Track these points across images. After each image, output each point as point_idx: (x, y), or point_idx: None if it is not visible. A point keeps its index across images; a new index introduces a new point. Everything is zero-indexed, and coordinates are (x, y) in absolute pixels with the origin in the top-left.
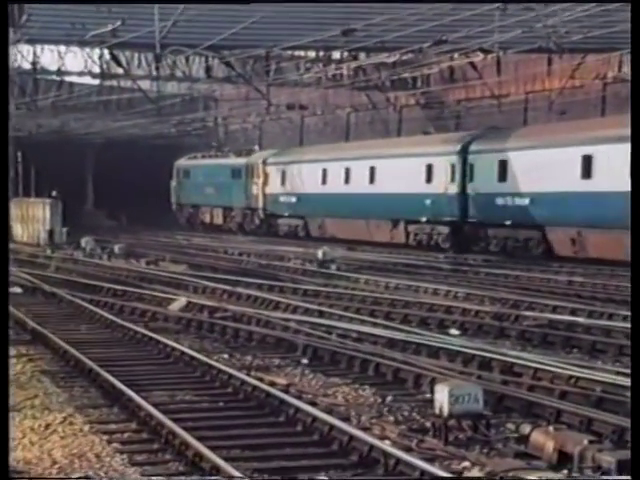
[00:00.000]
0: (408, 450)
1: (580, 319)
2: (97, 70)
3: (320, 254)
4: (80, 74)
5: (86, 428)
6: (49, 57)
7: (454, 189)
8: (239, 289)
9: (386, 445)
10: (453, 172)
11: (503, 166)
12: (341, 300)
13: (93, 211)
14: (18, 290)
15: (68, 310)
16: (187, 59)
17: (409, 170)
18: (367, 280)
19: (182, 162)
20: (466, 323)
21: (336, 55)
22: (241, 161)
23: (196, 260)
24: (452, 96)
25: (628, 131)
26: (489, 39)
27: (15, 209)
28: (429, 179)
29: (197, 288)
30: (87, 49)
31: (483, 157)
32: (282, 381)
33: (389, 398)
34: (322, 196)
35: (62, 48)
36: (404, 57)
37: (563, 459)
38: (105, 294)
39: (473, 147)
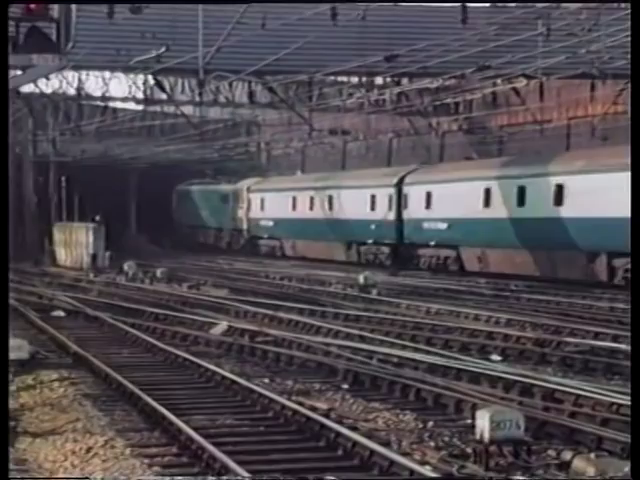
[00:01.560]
0: (449, 476)
1: (622, 346)
2: (141, 96)
3: (361, 279)
4: (124, 100)
5: (127, 452)
6: (94, 83)
7: (392, 216)
8: (280, 313)
9: (427, 470)
10: (391, 201)
11: (428, 196)
12: (382, 325)
13: (136, 235)
14: (61, 314)
15: (110, 334)
16: (230, 84)
17: (359, 199)
18: (408, 305)
19: (181, 187)
20: (507, 349)
21: (379, 80)
22: (229, 187)
23: (237, 284)
24: (494, 122)
25: (517, 170)
26: (532, 65)
27: (59, 233)
28: (373, 207)
29: (238, 312)
30: (131, 75)
31: (414, 188)
32: (323, 406)
33: (430, 423)
34: (293, 221)
35: (107, 74)
36: (447, 82)
37: None
38: (147, 318)
39: (407, 180)
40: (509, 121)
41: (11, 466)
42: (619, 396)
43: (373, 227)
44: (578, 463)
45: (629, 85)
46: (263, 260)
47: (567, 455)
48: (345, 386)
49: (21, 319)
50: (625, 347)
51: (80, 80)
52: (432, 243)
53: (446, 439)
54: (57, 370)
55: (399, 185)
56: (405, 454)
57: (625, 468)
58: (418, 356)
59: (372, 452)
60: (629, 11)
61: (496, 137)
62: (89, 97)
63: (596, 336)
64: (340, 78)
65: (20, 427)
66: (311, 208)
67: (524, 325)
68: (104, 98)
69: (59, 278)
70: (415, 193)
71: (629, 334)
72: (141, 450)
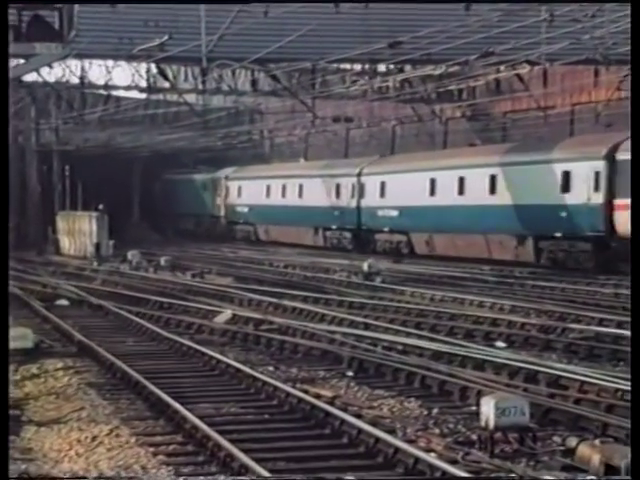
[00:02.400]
0: (454, 463)
1: (627, 332)
2: (144, 84)
3: (365, 266)
4: (127, 88)
5: (132, 440)
6: (97, 72)
7: (353, 203)
8: (284, 302)
9: (432, 458)
10: (352, 190)
11: (383, 186)
12: (386, 312)
13: (139, 224)
14: (65, 303)
15: (114, 323)
16: (233, 72)
17: (325, 188)
18: (412, 292)
19: (168, 176)
20: (512, 336)
21: (382, 68)
22: (208, 176)
23: (242, 273)
24: (498, 108)
25: (458, 162)
26: (536, 51)
27: (62, 222)
28: (338, 195)
29: (242, 301)
30: (134, 63)
31: (371, 179)
32: (327, 393)
33: (435, 410)
34: (266, 207)
35: (110, 63)
36: (450, 69)
37: (610, 472)
38: (151, 307)
39: (365, 171)
40: (513, 107)
41: (17, 455)
42: (624, 382)
43: (337, 214)
44: (583, 450)
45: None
46: (268, 248)
47: (572, 442)
48: (350, 374)
49: (25, 308)
50: (629, 333)
51: (83, 69)
52: (386, 229)
53: (451, 426)
54: (62, 359)
55: (359, 175)
56: (410, 441)
57: (630, 454)
58: (423, 343)
59: (377, 439)
60: None
61: (500, 124)
62: (92, 86)
63: (601, 322)
64: (343, 65)
65: (25, 416)
66: (283, 195)
67: (528, 312)
68: (107, 87)
69: (63, 267)
70: (371, 183)
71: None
72: (146, 439)
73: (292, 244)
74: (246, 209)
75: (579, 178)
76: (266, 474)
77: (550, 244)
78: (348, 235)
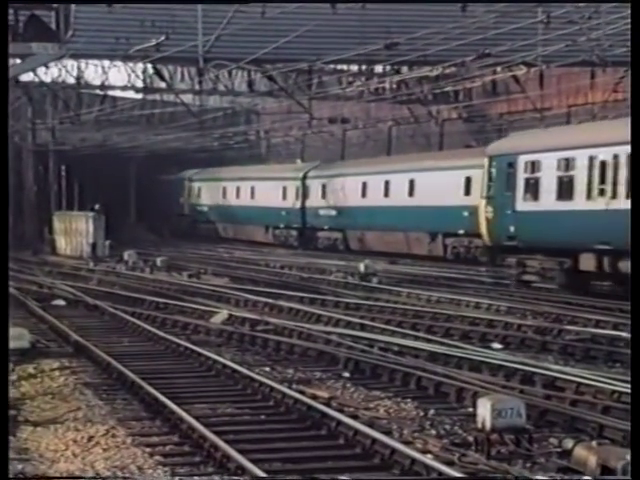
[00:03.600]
0: (450, 464)
1: (623, 333)
2: (140, 84)
3: (362, 267)
4: (123, 88)
5: (128, 440)
6: (93, 72)
7: (298, 204)
8: (280, 302)
9: (428, 459)
10: (297, 192)
11: (324, 188)
12: (383, 313)
13: (135, 224)
14: (61, 303)
15: (110, 323)
16: (230, 73)
17: (273, 190)
18: (409, 293)
19: (159, 177)
20: (508, 337)
21: (378, 69)
22: (174, 177)
23: (238, 273)
24: (494, 110)
25: (385, 168)
26: (532, 52)
27: (58, 222)
28: (285, 197)
29: (239, 301)
30: (130, 63)
31: (314, 182)
32: (324, 394)
33: (431, 412)
34: (223, 207)
35: (106, 63)
36: (447, 71)
37: (606, 474)
38: (147, 307)
39: (309, 174)
40: (509, 109)
41: (12, 455)
42: (620, 384)
43: (284, 214)
44: (579, 451)
45: (629, 72)
46: (262, 249)
47: (568, 443)
48: (346, 375)
49: (21, 308)
50: (626, 335)
51: (79, 69)
52: (326, 227)
53: (447, 427)
54: (58, 359)
55: (304, 179)
56: (406, 442)
57: (627, 456)
58: (419, 344)
59: (374, 441)
60: None
61: (496, 125)
62: (88, 86)
63: (597, 324)
64: (340, 66)
65: (21, 416)
66: (237, 196)
67: (525, 313)
68: (103, 87)
69: (59, 267)
70: (314, 186)
71: (630, 322)
72: (142, 439)
73: (246, 241)
74: (206, 208)
75: (477, 183)
76: (262, 475)
77: (453, 240)
78: (294, 233)
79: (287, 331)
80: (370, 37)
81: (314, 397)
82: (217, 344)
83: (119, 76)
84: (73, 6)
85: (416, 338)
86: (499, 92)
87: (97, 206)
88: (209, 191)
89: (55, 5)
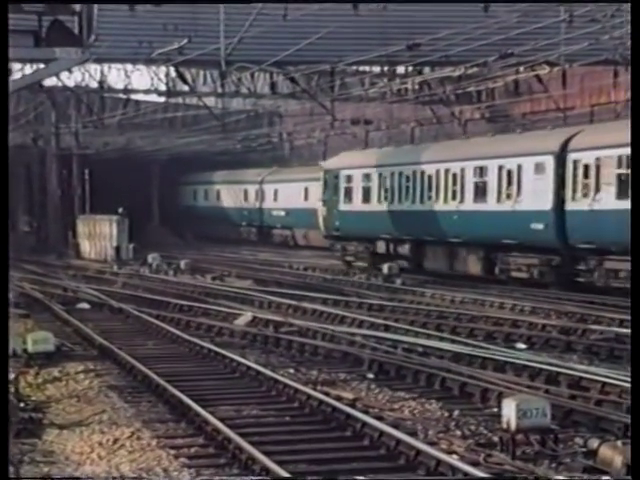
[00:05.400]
0: (475, 465)
1: None
2: (163, 88)
3: (385, 268)
4: (146, 92)
5: (153, 443)
6: (116, 76)
7: (257, 205)
8: (304, 304)
9: (453, 460)
10: (256, 195)
11: (275, 192)
12: (407, 314)
13: (159, 227)
14: (86, 306)
15: (135, 326)
16: (252, 75)
17: (236, 192)
18: (432, 294)
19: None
20: (533, 337)
21: (401, 70)
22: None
23: (261, 275)
24: (517, 109)
25: (306, 175)
26: (555, 52)
27: (82, 226)
28: (246, 198)
29: (262, 303)
30: (153, 67)
31: (268, 186)
32: (348, 395)
33: (456, 412)
34: (204, 208)
35: (129, 67)
36: (469, 71)
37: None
38: (171, 310)
39: (266, 179)
40: (532, 109)
41: (39, 457)
42: None
43: (245, 213)
44: (605, 451)
45: None
46: (286, 251)
47: (594, 443)
48: (370, 376)
49: (46, 312)
50: None
51: (102, 73)
52: (278, 225)
53: (472, 428)
54: (83, 362)
55: (261, 183)
56: (432, 443)
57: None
58: (443, 345)
59: (398, 442)
60: None
61: (519, 125)
62: (111, 90)
63: (621, 323)
64: (362, 68)
65: (47, 419)
66: (206, 198)
67: (549, 313)
68: (126, 90)
69: (83, 270)
70: (268, 189)
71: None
72: (167, 441)
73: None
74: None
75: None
76: (287, 476)
77: (315, 233)
78: (254, 230)
79: (311, 332)
80: (392, 38)
81: (339, 398)
82: (241, 346)
83: (142, 80)
84: (96, 10)
85: (440, 339)
86: (522, 92)
87: (121, 209)
88: (184, 194)
89: (78, 10)
